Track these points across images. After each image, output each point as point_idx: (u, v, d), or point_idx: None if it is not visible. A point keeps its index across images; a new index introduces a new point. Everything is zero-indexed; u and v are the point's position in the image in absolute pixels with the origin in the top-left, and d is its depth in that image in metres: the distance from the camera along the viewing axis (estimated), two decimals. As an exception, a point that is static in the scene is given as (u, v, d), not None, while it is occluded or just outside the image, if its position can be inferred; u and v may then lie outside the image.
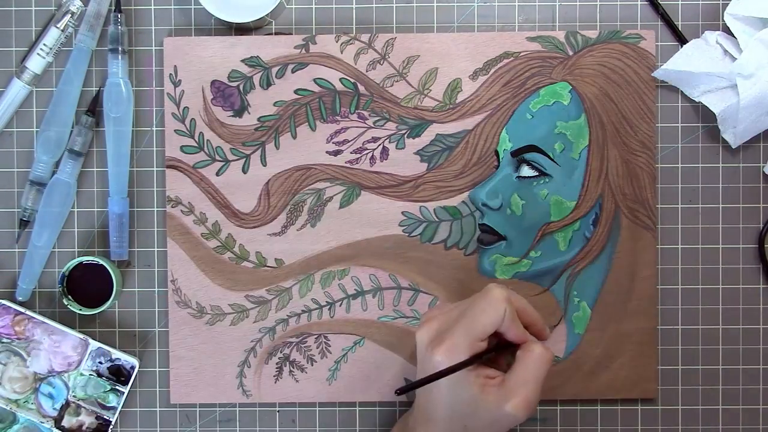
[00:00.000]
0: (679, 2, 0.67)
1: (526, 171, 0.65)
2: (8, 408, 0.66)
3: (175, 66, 0.66)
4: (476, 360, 0.52)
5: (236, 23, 0.65)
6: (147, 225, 0.67)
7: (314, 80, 0.66)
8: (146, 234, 0.67)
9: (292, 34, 0.67)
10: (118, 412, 0.66)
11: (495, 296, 0.53)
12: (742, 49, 0.63)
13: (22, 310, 0.66)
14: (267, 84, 0.66)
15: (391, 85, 0.66)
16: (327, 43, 0.66)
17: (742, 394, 0.67)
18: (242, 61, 0.66)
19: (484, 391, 0.52)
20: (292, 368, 0.66)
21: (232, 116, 0.66)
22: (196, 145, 0.66)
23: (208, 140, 0.66)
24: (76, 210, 0.67)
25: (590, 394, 0.66)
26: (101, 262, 0.65)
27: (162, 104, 0.67)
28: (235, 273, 0.66)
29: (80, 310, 0.65)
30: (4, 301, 0.66)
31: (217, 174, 0.66)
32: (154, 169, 0.67)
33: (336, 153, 0.66)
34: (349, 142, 0.66)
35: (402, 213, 0.66)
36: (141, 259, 0.67)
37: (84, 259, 0.65)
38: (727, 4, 0.64)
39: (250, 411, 0.68)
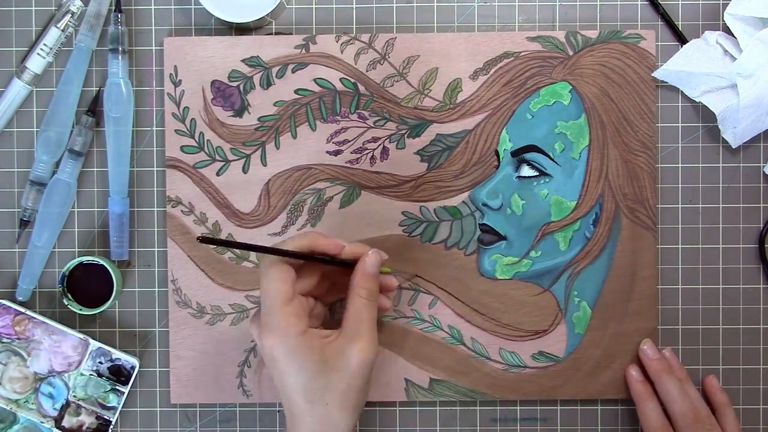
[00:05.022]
0: (679, 2, 0.67)
1: (527, 171, 0.65)
2: (8, 408, 0.66)
3: (175, 66, 0.66)
4: (298, 255, 0.53)
5: (236, 23, 0.65)
6: (147, 225, 0.67)
7: (314, 80, 0.66)
8: (146, 234, 0.67)
9: (292, 34, 0.67)
10: (118, 412, 0.66)
11: (264, 264, 0.53)
12: (742, 49, 0.63)
13: (22, 310, 0.66)
14: (267, 84, 0.66)
15: (392, 85, 0.66)
16: (327, 43, 0.66)
17: (742, 394, 0.67)
18: (242, 61, 0.66)
19: (325, 350, 0.52)
20: (292, 368, 0.66)
21: (233, 116, 0.66)
22: (196, 145, 0.66)
23: (208, 140, 0.66)
24: (76, 210, 0.67)
25: (590, 394, 0.66)
26: (101, 262, 0.65)
27: (162, 104, 0.67)
28: (235, 273, 0.66)
29: (80, 310, 0.65)
30: (4, 301, 0.66)
31: (218, 174, 0.66)
32: (154, 169, 0.67)
33: (336, 153, 0.66)
34: (349, 142, 0.66)
35: (402, 213, 0.66)
36: (141, 259, 0.67)
37: (84, 259, 0.65)
38: (727, 4, 0.64)
39: (250, 411, 0.68)
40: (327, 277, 0.58)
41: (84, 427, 0.66)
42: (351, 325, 0.53)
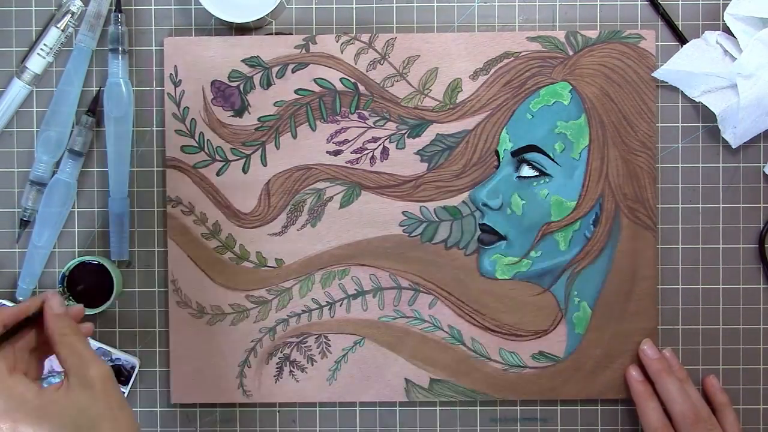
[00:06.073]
0: (679, 2, 0.67)
1: (527, 171, 0.65)
2: (8, 408, 0.65)
3: (176, 66, 0.66)
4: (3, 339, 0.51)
5: (236, 23, 0.65)
6: (147, 225, 0.67)
7: (314, 80, 0.66)
8: (146, 234, 0.67)
9: (292, 34, 0.67)
10: (118, 412, 0.66)
11: None
12: (742, 49, 0.63)
13: (22, 310, 0.65)
14: (267, 84, 0.66)
15: (392, 85, 0.66)
16: (327, 43, 0.66)
17: (742, 394, 0.67)
18: (242, 61, 0.66)
19: (59, 390, 0.50)
20: (292, 368, 0.66)
21: (233, 116, 0.66)
22: (196, 145, 0.66)
23: (208, 140, 0.66)
24: (76, 210, 0.67)
25: (590, 394, 0.66)
26: (101, 262, 0.65)
27: (162, 104, 0.67)
28: (235, 273, 0.66)
29: (80, 310, 0.65)
30: (4, 301, 0.66)
31: (218, 174, 0.66)
32: (154, 169, 0.67)
33: (336, 153, 0.66)
34: (349, 142, 0.66)
35: (402, 213, 0.66)
36: (141, 259, 0.67)
37: (84, 259, 0.65)
38: (727, 4, 0.64)
39: (251, 411, 0.68)
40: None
41: (84, 427, 0.66)
42: (74, 364, 0.51)
